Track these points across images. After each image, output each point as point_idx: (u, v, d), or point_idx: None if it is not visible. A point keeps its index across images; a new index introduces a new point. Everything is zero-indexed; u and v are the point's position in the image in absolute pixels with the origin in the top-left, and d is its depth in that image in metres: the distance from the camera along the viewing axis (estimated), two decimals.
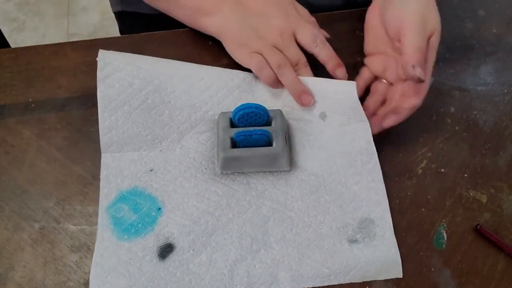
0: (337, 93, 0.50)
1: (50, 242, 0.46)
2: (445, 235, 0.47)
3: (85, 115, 0.52)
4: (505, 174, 0.50)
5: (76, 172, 0.49)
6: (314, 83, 0.51)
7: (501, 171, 0.50)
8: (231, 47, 0.51)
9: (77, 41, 0.57)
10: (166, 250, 0.44)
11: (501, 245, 0.46)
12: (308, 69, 0.50)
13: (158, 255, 0.44)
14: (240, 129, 0.46)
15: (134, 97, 0.49)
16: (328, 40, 0.52)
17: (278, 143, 0.46)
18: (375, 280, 0.44)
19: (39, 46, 0.57)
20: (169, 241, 0.45)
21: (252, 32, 0.49)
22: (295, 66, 0.50)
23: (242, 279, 0.44)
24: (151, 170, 0.48)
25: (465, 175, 0.50)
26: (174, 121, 0.49)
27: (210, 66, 0.52)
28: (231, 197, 0.47)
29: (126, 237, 0.45)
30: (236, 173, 0.48)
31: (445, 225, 0.47)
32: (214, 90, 0.51)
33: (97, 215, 0.47)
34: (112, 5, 0.74)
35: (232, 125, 0.48)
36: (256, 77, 0.51)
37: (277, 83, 0.50)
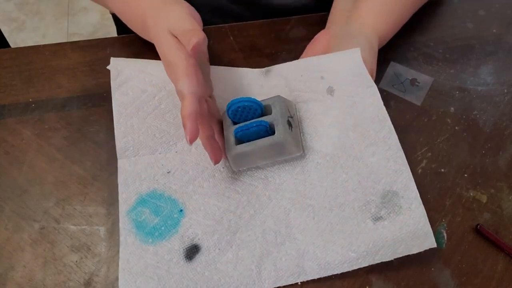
0: (342, 62, 0.49)
1: (50, 242, 0.46)
2: (445, 235, 0.47)
3: (85, 115, 0.52)
4: (505, 174, 0.50)
5: (76, 172, 0.49)
6: (318, 59, 0.50)
7: (501, 171, 0.50)
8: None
9: (77, 41, 0.57)
10: (192, 251, 0.44)
11: (501, 245, 0.46)
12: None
13: (185, 257, 0.44)
14: (238, 125, 0.46)
15: (147, 103, 0.49)
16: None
17: (279, 130, 0.45)
18: (375, 280, 0.44)
19: (39, 46, 0.57)
20: (194, 242, 0.45)
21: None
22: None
23: (270, 273, 0.43)
24: (168, 172, 0.47)
25: (465, 175, 0.50)
26: None
27: (216, 66, 0.52)
28: (251, 193, 0.47)
29: (150, 240, 0.45)
30: (253, 169, 0.48)
31: (445, 225, 0.47)
32: (223, 89, 0.51)
33: (97, 215, 0.47)
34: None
35: (235, 123, 0.48)
36: (265, 72, 0.52)
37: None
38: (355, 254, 0.43)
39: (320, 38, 0.53)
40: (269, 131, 0.46)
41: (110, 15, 0.76)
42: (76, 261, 0.45)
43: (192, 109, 0.42)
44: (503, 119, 0.54)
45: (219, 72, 0.53)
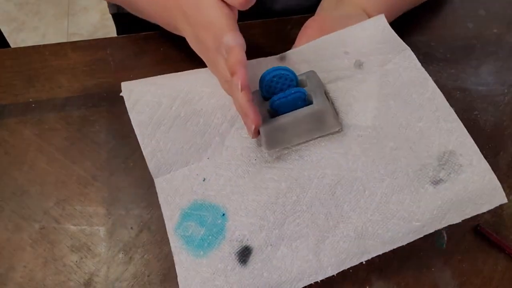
0: (366, 32, 0.47)
1: (50, 242, 0.46)
2: (445, 235, 0.47)
3: (85, 115, 0.52)
4: (505, 174, 0.50)
5: (76, 172, 0.49)
6: (338, 35, 0.48)
7: (501, 171, 0.50)
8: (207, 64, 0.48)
9: (77, 41, 0.57)
10: (244, 254, 0.43)
11: (501, 245, 0.46)
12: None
13: (239, 261, 0.42)
14: (274, 96, 0.43)
15: (166, 116, 0.48)
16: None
17: (318, 100, 0.42)
18: (375, 280, 0.44)
19: (39, 46, 0.57)
20: (244, 244, 0.43)
21: (206, 50, 0.47)
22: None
23: (331, 259, 0.41)
24: (204, 180, 0.46)
25: None
26: (211, 126, 0.48)
27: None
28: (288, 177, 0.44)
29: (202, 253, 0.43)
30: (286, 151, 0.45)
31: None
32: None
33: (97, 215, 0.47)
34: (108, 7, 0.74)
35: (265, 100, 0.46)
36: (280, 58, 0.49)
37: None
38: (420, 223, 0.40)
39: (311, 24, 0.51)
40: (307, 102, 0.43)
41: (110, 15, 0.76)
42: (76, 261, 0.45)
43: (241, 57, 0.40)
44: (504, 119, 0.54)
45: None
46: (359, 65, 0.47)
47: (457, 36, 0.60)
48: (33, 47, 0.57)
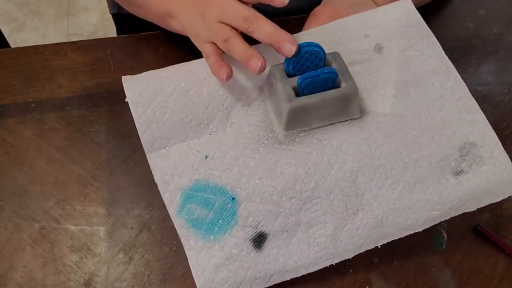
0: (389, 15, 0.45)
1: (50, 242, 0.46)
2: (445, 235, 0.47)
3: (85, 115, 0.52)
4: None
5: (76, 172, 0.49)
6: (359, 17, 0.46)
7: None
8: (193, 40, 0.48)
9: (77, 41, 0.57)
10: (259, 240, 0.41)
11: (501, 245, 0.46)
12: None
13: (254, 247, 0.41)
14: (305, 74, 0.40)
15: (165, 84, 0.43)
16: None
17: (348, 83, 0.40)
18: (375, 280, 0.44)
19: (39, 46, 0.57)
20: (258, 230, 0.41)
21: (202, 21, 0.46)
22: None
23: (348, 246, 0.41)
24: (206, 157, 0.42)
25: None
26: (215, 98, 0.43)
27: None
28: (307, 162, 0.41)
29: (212, 237, 0.41)
30: (302, 134, 0.42)
31: (445, 225, 0.47)
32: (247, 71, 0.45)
33: (97, 215, 0.47)
34: (108, 7, 0.74)
35: (288, 76, 0.42)
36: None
37: (223, 68, 0.42)
38: (439, 212, 0.41)
39: (321, 11, 0.50)
40: (335, 84, 0.41)
41: (110, 15, 0.76)
42: (76, 261, 0.45)
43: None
44: (504, 119, 0.54)
45: None
46: (379, 49, 0.45)
47: (457, 36, 0.60)
48: (33, 47, 0.57)
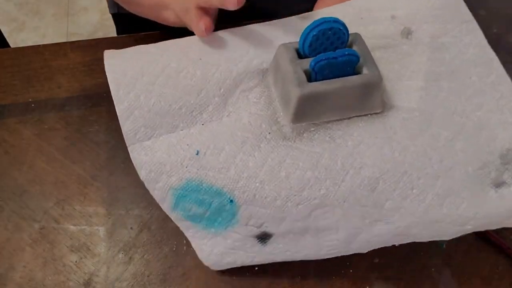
0: None
1: (49, 242, 0.46)
2: None
3: (85, 115, 0.52)
4: None
5: (76, 172, 0.49)
6: None
7: None
8: (189, 28, 0.45)
9: (77, 41, 0.57)
10: (264, 237, 0.37)
11: (501, 245, 0.46)
12: None
13: (259, 242, 0.37)
14: (322, 55, 0.34)
15: (153, 63, 0.37)
16: None
17: (371, 69, 0.34)
18: (375, 280, 0.44)
19: (39, 46, 0.57)
20: (263, 230, 0.37)
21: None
22: None
23: (362, 247, 0.37)
24: (197, 153, 0.36)
25: None
26: (211, 82, 0.37)
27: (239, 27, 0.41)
28: (316, 165, 0.35)
29: (213, 230, 0.37)
30: (312, 128, 0.36)
31: None
32: (258, 48, 0.39)
33: (97, 215, 0.47)
34: (108, 6, 0.74)
35: (300, 57, 0.36)
36: (301, 19, 0.41)
37: (202, 20, 0.40)
38: (472, 227, 0.35)
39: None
40: (355, 70, 0.35)
41: (110, 15, 0.76)
42: (76, 261, 0.45)
43: None
44: None
45: (245, 33, 0.41)
46: (407, 33, 0.39)
47: None
48: (33, 47, 0.57)
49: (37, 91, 0.54)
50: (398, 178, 0.34)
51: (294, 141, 0.36)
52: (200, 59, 0.38)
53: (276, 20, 0.41)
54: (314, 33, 0.34)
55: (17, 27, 1.62)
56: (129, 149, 0.37)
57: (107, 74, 0.37)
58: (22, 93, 0.54)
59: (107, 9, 0.75)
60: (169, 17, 0.50)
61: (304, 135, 0.36)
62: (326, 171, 0.35)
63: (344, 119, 0.36)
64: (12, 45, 0.84)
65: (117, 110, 0.37)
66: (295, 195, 0.35)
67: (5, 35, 0.84)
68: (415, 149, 0.35)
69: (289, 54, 0.35)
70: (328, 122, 0.36)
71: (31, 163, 0.49)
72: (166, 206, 0.37)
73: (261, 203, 0.35)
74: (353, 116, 0.36)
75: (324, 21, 0.33)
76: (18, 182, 0.48)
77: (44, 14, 1.65)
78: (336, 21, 0.34)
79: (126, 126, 0.37)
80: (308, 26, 0.34)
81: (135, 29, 0.59)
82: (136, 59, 0.38)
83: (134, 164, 0.37)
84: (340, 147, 0.35)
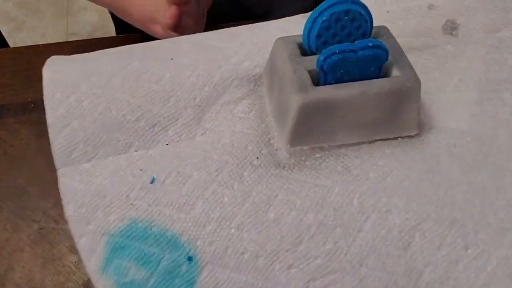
0: None
1: (49, 243, 0.45)
2: None
3: None
4: None
5: None
6: None
7: None
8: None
9: (77, 41, 0.57)
10: None
11: None
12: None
13: None
14: (334, 47, 0.24)
15: (106, 59, 0.28)
16: None
17: (405, 69, 0.25)
18: None
19: (38, 45, 0.57)
20: None
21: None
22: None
23: None
24: (153, 182, 0.26)
25: None
26: (183, 87, 0.28)
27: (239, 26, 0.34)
28: (322, 204, 0.24)
29: None
30: (318, 154, 0.26)
31: None
32: (256, 53, 0.30)
33: None
34: None
35: (304, 54, 0.27)
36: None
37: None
38: None
39: None
40: (382, 71, 0.26)
41: (109, 15, 0.76)
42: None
43: None
44: None
45: (245, 33, 0.33)
46: (451, 28, 0.30)
47: None
48: (32, 46, 0.57)
49: (37, 91, 0.54)
50: (445, 230, 0.24)
51: (292, 170, 0.25)
52: (172, 58, 0.29)
53: (274, 20, 0.35)
54: (324, 18, 0.24)
55: (16, 27, 1.61)
56: (58, 172, 0.28)
57: (43, 75, 0.29)
58: (22, 93, 0.54)
59: (107, 9, 0.75)
60: (156, 33, 0.51)
61: (306, 162, 0.26)
62: (335, 214, 0.24)
63: (364, 142, 0.27)
64: (11, 44, 0.84)
65: (47, 119, 0.28)
66: (287, 251, 0.24)
67: (5, 34, 0.84)
68: (468, 187, 0.25)
69: (288, 50, 0.26)
70: (341, 146, 0.26)
71: (30, 163, 0.49)
72: (94, 264, 0.27)
73: (235, 262, 0.24)
74: (378, 140, 0.27)
75: (338, 1, 0.24)
76: (17, 182, 0.48)
77: (43, 14, 1.65)
78: (355, 1, 0.24)
79: (57, 142, 0.27)
80: (315, 9, 0.24)
81: (135, 29, 0.59)
82: (89, 59, 0.29)
83: (61, 194, 0.28)
84: (358, 180, 0.25)
